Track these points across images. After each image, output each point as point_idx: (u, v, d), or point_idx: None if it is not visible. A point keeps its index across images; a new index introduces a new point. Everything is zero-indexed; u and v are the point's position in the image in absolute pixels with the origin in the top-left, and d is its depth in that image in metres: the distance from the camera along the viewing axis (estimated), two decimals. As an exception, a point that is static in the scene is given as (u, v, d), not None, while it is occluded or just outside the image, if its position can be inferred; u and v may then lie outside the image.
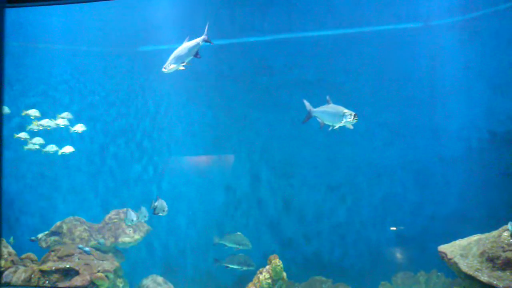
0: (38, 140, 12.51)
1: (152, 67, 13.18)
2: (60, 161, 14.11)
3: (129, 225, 10.68)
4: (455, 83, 12.83)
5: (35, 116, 12.44)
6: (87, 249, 10.97)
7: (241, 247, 11.15)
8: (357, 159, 13.26)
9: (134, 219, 10.42)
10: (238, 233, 11.33)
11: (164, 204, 9.97)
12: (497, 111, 12.43)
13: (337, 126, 9.18)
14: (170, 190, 14.05)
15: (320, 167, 13.44)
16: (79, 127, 12.89)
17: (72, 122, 12.81)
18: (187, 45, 8.95)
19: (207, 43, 8.88)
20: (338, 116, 9.05)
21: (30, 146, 12.48)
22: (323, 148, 13.37)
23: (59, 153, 12.67)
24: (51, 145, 12.55)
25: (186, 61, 8.95)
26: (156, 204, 9.94)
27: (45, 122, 12.45)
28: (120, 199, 13.93)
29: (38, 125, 12.34)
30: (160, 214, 9.99)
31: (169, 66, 8.98)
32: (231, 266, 11.09)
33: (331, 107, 9.34)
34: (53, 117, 12.64)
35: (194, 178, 14.08)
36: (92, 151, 14.24)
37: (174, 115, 14.24)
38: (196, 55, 8.91)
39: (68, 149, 12.71)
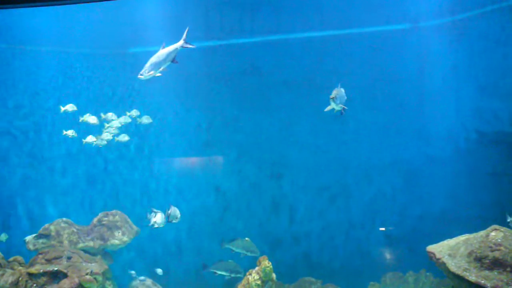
0: (107, 136, 12.43)
1: (141, 68, 13.10)
2: (48, 163, 14.06)
3: (154, 226, 10.46)
4: (443, 83, 12.91)
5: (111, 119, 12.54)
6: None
7: (249, 254, 11.09)
8: (346, 160, 13.31)
9: (159, 221, 10.24)
10: (247, 238, 11.30)
11: (177, 211, 9.93)
12: (485, 111, 12.53)
13: (328, 108, 8.99)
14: (159, 192, 14.02)
15: (310, 168, 13.47)
16: (145, 119, 12.86)
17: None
18: (164, 51, 8.88)
19: (186, 48, 8.81)
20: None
21: (98, 142, 12.40)
22: (313, 149, 13.41)
23: (115, 140, 12.60)
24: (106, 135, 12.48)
25: (164, 67, 8.88)
26: (169, 211, 9.89)
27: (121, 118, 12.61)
28: (108, 201, 13.87)
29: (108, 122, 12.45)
30: (174, 221, 9.94)
31: (147, 73, 8.88)
32: (219, 272, 11.06)
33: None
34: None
35: (184, 180, 14.05)
36: (81, 153, 14.15)
37: (163, 117, 14.20)
38: (173, 60, 8.85)
39: (123, 137, 12.69)
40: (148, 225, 10.22)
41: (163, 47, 8.90)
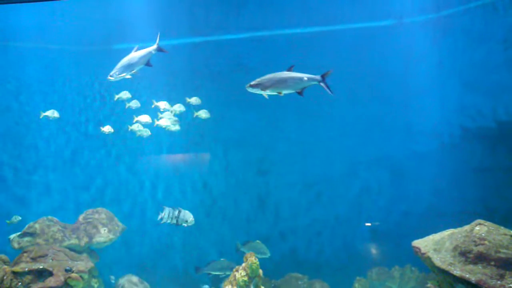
0: (166, 122, 12.21)
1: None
2: (33, 161, 13.94)
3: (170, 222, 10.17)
4: (428, 79, 12.99)
5: (164, 108, 12.26)
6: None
7: (259, 256, 11.03)
8: (333, 156, 13.35)
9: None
10: (258, 241, 11.28)
11: (188, 215, 9.47)
12: (469, 107, 12.65)
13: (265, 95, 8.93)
14: (146, 189, 13.95)
15: (296, 164, 13.50)
16: (204, 113, 12.63)
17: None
18: (137, 54, 8.85)
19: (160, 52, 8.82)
20: None
21: (171, 126, 12.09)
22: (299, 145, 13.44)
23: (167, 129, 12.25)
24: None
25: (136, 69, 8.85)
26: (178, 213, 9.55)
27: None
28: (94, 198, 13.79)
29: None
30: (184, 225, 9.63)
31: (117, 74, 8.83)
32: (213, 273, 11.01)
33: None
34: None
35: (170, 176, 14.00)
36: (66, 150, 14.05)
37: (150, 114, 14.13)
38: (147, 64, 8.83)
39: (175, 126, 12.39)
40: (159, 223, 10.03)
41: (136, 50, 8.90)
